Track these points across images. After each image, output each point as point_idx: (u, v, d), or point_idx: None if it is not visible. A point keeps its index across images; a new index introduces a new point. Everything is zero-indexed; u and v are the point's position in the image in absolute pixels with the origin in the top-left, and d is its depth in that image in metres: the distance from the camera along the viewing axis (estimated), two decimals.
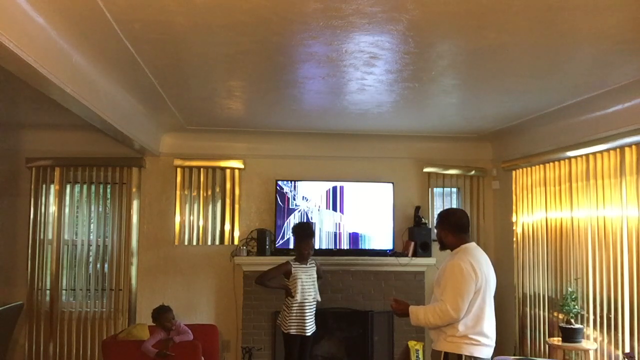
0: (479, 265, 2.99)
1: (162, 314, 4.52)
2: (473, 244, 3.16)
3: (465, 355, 2.95)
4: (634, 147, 3.90)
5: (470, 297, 2.94)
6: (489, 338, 3.03)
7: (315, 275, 4.57)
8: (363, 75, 3.49)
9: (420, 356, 5.39)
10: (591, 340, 4.33)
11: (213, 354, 4.96)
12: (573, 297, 4.42)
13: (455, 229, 3.15)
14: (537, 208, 5.14)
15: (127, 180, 5.59)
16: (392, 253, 5.56)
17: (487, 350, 3.03)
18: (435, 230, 3.32)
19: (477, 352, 2.97)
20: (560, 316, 4.60)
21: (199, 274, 5.63)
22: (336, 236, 5.56)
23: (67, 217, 5.51)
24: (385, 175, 5.81)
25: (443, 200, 5.98)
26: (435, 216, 3.47)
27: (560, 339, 4.41)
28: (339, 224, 5.57)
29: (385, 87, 3.77)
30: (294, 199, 5.53)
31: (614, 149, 4.08)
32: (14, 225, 5.45)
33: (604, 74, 3.40)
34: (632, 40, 2.79)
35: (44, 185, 5.46)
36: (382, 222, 5.60)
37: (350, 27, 2.65)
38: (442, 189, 5.98)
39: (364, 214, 5.59)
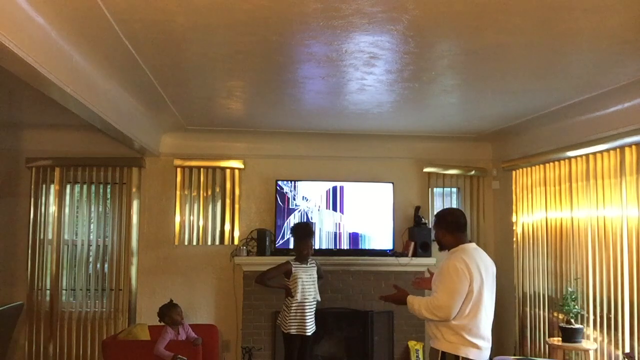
0: (475, 266, 2.99)
1: (172, 309, 4.53)
2: (473, 245, 3.16)
3: (462, 357, 2.96)
4: (634, 147, 3.90)
5: (463, 297, 2.94)
6: (486, 340, 3.03)
7: (316, 276, 4.57)
8: (363, 75, 3.49)
9: (420, 356, 5.39)
10: (591, 340, 4.33)
11: (213, 354, 4.96)
12: (573, 297, 4.43)
13: (453, 228, 3.15)
14: (537, 208, 5.14)
15: (127, 180, 5.59)
16: (392, 253, 5.56)
17: (484, 353, 3.02)
18: (433, 231, 3.32)
19: (473, 354, 2.96)
20: (560, 316, 4.61)
21: (199, 274, 5.63)
22: (336, 236, 5.56)
23: (67, 217, 5.51)
24: (385, 175, 5.82)
25: (443, 200, 5.98)
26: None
27: (560, 339, 4.41)
28: (339, 224, 5.57)
29: (385, 87, 3.77)
30: (294, 199, 5.53)
31: (614, 149, 4.08)
32: (14, 225, 5.45)
33: (604, 74, 3.40)
34: (632, 40, 2.79)
35: (44, 185, 5.46)
36: (382, 222, 5.60)
37: (350, 27, 2.65)
38: (442, 189, 5.98)
39: (364, 214, 5.59)
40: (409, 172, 5.92)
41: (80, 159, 5.48)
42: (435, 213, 3.41)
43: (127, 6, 2.46)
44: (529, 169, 5.28)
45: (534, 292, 5.16)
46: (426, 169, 5.88)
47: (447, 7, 2.42)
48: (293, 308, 4.42)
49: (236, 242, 5.65)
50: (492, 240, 5.97)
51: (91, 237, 5.56)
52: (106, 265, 5.53)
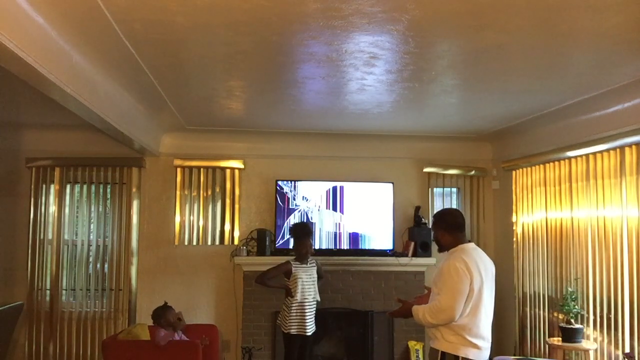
0: (475, 266, 2.99)
1: (167, 311, 4.54)
2: (471, 245, 3.15)
3: (462, 357, 2.96)
4: (634, 147, 3.90)
5: (465, 297, 2.94)
6: (486, 340, 3.03)
7: (316, 276, 4.57)
8: (363, 75, 3.49)
9: (420, 356, 5.39)
10: (591, 340, 4.33)
11: (213, 354, 4.96)
12: (573, 297, 4.43)
13: (452, 228, 3.15)
14: (537, 208, 5.14)
15: (127, 180, 5.59)
16: (392, 253, 5.56)
17: (484, 353, 3.02)
18: (432, 232, 3.32)
19: (473, 354, 2.96)
20: (560, 316, 4.61)
21: (199, 274, 5.63)
22: (336, 236, 5.56)
23: (67, 217, 5.51)
24: (385, 175, 5.81)
25: (443, 200, 5.98)
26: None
27: (560, 339, 4.41)
28: (339, 224, 5.57)
29: (385, 87, 3.77)
30: (294, 199, 5.53)
31: (614, 149, 4.08)
32: (14, 225, 5.45)
33: (604, 74, 3.40)
34: (632, 40, 2.79)
35: (44, 185, 5.46)
36: (382, 222, 5.60)
37: (350, 27, 2.65)
38: (442, 189, 5.98)
39: (364, 214, 5.59)
40: (409, 172, 5.92)
41: (80, 159, 5.48)
42: (434, 214, 3.41)
43: (127, 6, 2.46)
44: (529, 169, 5.28)
45: (534, 292, 5.16)
46: (426, 169, 5.88)
47: (447, 7, 2.42)
48: (293, 308, 4.42)
49: (236, 242, 5.65)
50: (492, 240, 5.97)
51: (91, 237, 5.56)
52: (106, 265, 5.53)
